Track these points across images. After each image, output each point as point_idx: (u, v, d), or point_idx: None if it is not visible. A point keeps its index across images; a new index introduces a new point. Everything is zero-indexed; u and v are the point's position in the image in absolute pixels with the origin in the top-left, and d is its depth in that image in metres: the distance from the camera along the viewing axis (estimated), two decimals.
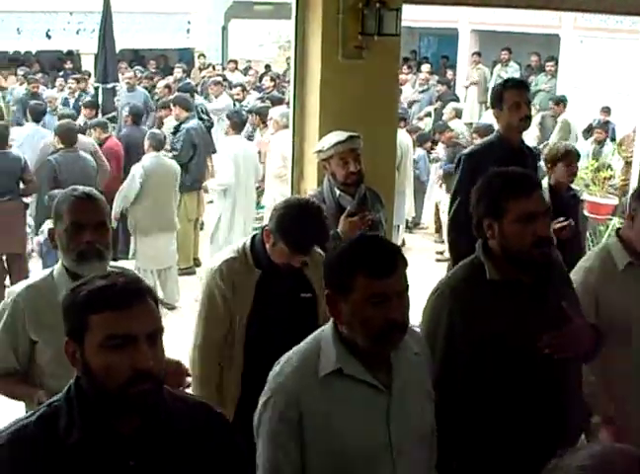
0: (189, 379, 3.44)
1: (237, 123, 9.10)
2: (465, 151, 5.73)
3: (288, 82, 15.93)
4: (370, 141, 5.01)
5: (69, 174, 8.05)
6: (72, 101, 13.33)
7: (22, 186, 8.70)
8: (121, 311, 2.04)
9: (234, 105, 12.63)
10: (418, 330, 3.09)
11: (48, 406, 2.15)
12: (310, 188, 5.21)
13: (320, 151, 4.93)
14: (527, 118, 5.22)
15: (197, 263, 10.15)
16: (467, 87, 17.43)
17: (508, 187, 3.05)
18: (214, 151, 11.16)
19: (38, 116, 10.70)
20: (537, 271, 3.07)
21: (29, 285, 3.39)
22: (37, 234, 8.64)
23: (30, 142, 10.15)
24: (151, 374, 2.05)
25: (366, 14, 5.36)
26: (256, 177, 9.19)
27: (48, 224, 7.94)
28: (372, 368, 2.56)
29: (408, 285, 2.55)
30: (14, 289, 3.43)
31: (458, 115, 12.84)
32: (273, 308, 3.85)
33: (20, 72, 16.01)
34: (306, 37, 5.52)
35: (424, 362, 2.76)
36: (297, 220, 3.73)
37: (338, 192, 4.90)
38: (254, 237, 3.99)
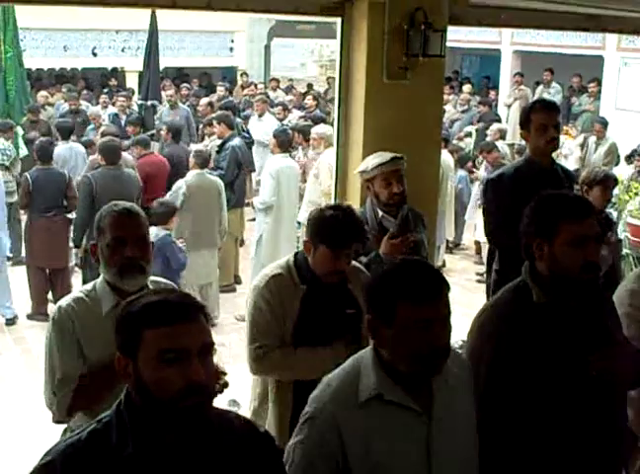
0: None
1: (283, 142, 9.12)
2: (491, 175, 5.72)
3: (330, 101, 16.13)
4: (414, 162, 5.00)
5: (106, 191, 8.08)
6: (123, 118, 13.46)
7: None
8: (175, 326, 2.08)
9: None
10: (459, 351, 3.08)
11: (98, 422, 2.18)
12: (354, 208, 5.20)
13: (363, 172, 4.93)
14: (555, 141, 5.16)
15: (237, 280, 10.20)
16: (509, 107, 17.35)
17: (562, 209, 3.03)
18: (254, 169, 11.24)
19: (65, 133, 10.75)
20: (584, 294, 3.04)
21: (73, 298, 3.44)
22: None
23: (64, 159, 10.30)
24: (203, 388, 2.08)
25: (412, 35, 5.36)
26: (298, 195, 9.21)
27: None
28: (413, 393, 2.55)
29: (450, 310, 2.54)
30: (60, 304, 3.46)
31: (502, 135, 12.79)
32: (318, 324, 3.88)
33: (64, 89, 16.21)
34: (351, 57, 5.52)
35: (466, 386, 2.74)
36: (332, 218, 3.84)
37: (380, 212, 4.90)
38: (297, 254, 4.03)
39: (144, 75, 12.96)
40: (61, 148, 10.44)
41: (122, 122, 13.04)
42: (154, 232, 7.72)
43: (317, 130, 9.38)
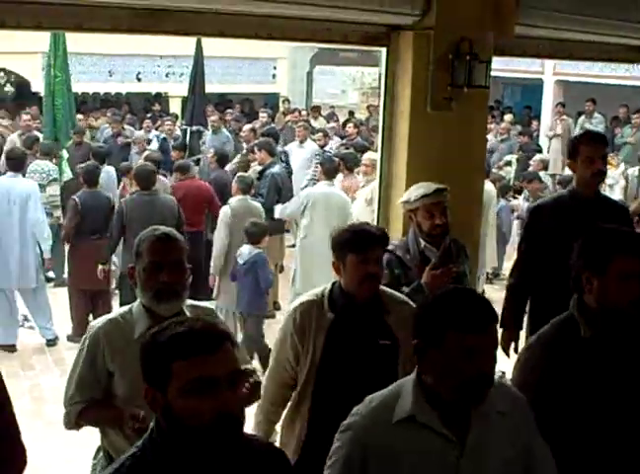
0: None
1: (329, 170, 9.14)
2: (533, 204, 5.69)
3: (371, 129, 16.17)
4: (457, 192, 4.98)
5: (138, 216, 8.20)
6: (171, 142, 13.63)
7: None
8: (203, 357, 2.09)
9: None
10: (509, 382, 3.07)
11: (131, 457, 2.20)
12: (395, 237, 5.20)
13: (406, 202, 4.92)
14: (601, 173, 5.13)
15: (276, 306, 10.19)
16: (551, 138, 17.28)
17: (615, 243, 3.03)
18: (292, 196, 11.27)
19: (99, 158, 10.81)
20: (632, 329, 3.02)
21: (108, 319, 3.50)
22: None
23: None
24: (233, 416, 2.09)
25: (456, 65, 5.37)
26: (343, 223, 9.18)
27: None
28: (449, 420, 2.54)
29: (497, 342, 2.54)
30: (94, 323, 3.53)
31: (545, 166, 12.72)
32: (346, 353, 3.84)
33: (109, 113, 16.43)
34: (396, 86, 5.53)
35: (510, 423, 2.67)
36: (353, 227, 4.02)
37: (423, 243, 4.88)
38: (334, 283, 4.02)
39: (189, 100, 13.10)
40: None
41: (170, 146, 13.23)
42: (247, 250, 7.84)
43: (369, 157, 9.38)
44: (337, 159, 9.90)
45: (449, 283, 4.59)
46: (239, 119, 17.12)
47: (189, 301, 3.52)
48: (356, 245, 3.83)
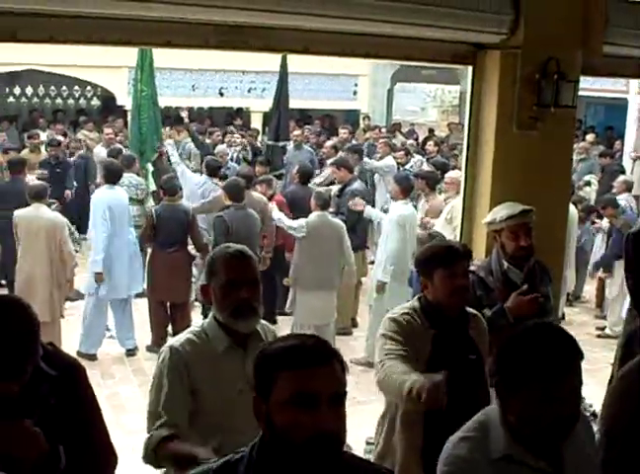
0: None
1: (406, 189, 9.09)
2: (634, 229, 5.57)
3: (451, 147, 16.06)
4: (542, 213, 4.92)
5: (239, 229, 8.36)
6: (250, 156, 13.78)
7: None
8: (309, 370, 2.08)
9: (398, 168, 12.66)
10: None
11: (235, 453, 2.23)
12: (478, 258, 5.15)
13: (491, 223, 4.88)
14: None
15: (354, 323, 10.18)
16: (635, 160, 16.93)
17: None
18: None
19: (213, 171, 10.94)
20: None
21: (185, 339, 3.46)
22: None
23: (196, 191, 10.52)
24: (332, 437, 2.07)
25: (543, 85, 5.31)
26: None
27: None
28: (541, 452, 2.49)
29: (581, 380, 2.46)
30: (172, 344, 3.48)
31: (629, 187, 12.44)
32: (446, 368, 3.83)
33: (193, 127, 16.64)
34: (481, 105, 5.49)
35: (587, 440, 2.67)
36: (437, 243, 4.22)
37: (506, 264, 4.83)
38: (420, 298, 4.04)
39: (273, 116, 13.17)
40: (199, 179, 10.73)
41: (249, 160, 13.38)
42: None
43: (451, 175, 9.32)
44: (413, 177, 9.85)
45: (535, 311, 4.55)
46: (319, 134, 17.17)
47: (262, 321, 3.52)
48: (443, 259, 3.91)
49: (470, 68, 5.56)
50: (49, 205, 9.03)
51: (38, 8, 4.01)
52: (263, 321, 3.64)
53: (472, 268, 4.79)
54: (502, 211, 4.83)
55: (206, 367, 3.34)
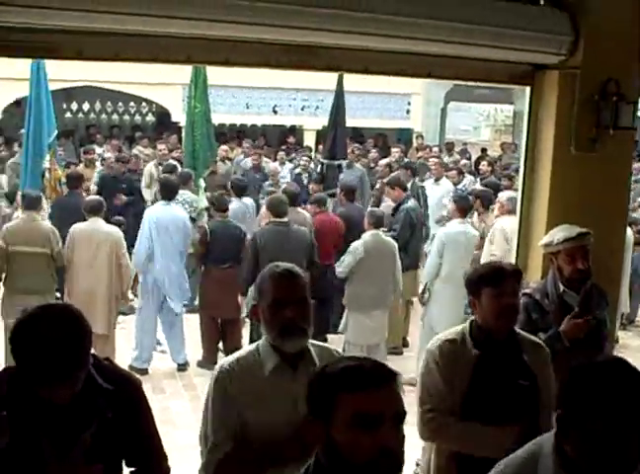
0: None
1: (464, 208, 9.05)
2: None
3: (504, 167, 15.95)
4: (599, 236, 4.86)
5: (271, 247, 8.32)
6: (305, 175, 13.84)
7: None
8: (371, 392, 2.12)
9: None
10: None
11: None
12: (534, 280, 5.10)
13: (548, 245, 4.83)
14: None
15: (405, 343, 10.14)
16: None
17: None
18: (427, 234, 11.18)
19: (238, 191, 10.99)
20: None
21: (236, 358, 3.45)
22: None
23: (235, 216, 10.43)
24: (394, 455, 2.11)
25: (602, 106, 5.26)
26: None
27: None
28: None
29: None
30: (222, 364, 3.48)
31: None
32: (489, 393, 3.82)
33: (245, 144, 16.77)
34: (539, 126, 5.45)
35: None
36: (486, 263, 4.27)
37: (562, 287, 4.79)
38: (472, 321, 4.02)
39: (329, 134, 13.17)
40: (235, 205, 10.58)
41: (305, 181, 13.41)
42: None
43: (505, 196, 9.23)
44: (471, 197, 9.79)
45: (586, 333, 4.51)
46: (369, 151, 17.16)
47: (312, 341, 3.47)
48: (491, 279, 3.89)
49: (528, 88, 5.52)
50: (120, 225, 9.22)
51: (105, 27, 4.07)
52: (321, 343, 3.61)
53: (527, 290, 4.77)
54: (559, 234, 4.78)
55: (253, 386, 3.33)
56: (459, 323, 4.19)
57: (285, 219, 8.66)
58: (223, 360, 3.51)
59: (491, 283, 3.86)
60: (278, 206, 8.72)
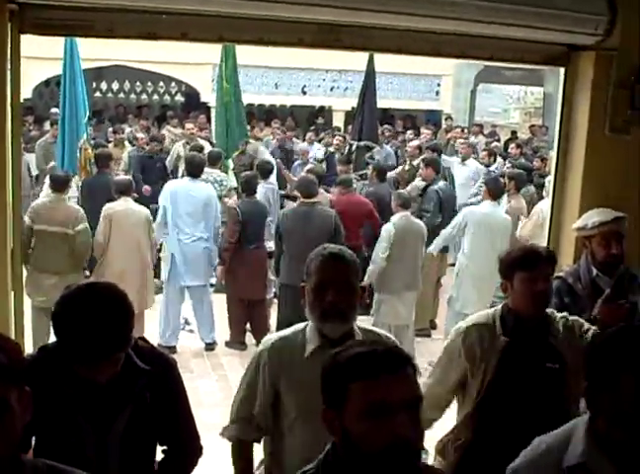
0: None
1: (494, 191, 9.01)
2: None
3: (534, 150, 15.83)
4: (633, 220, 4.80)
5: (294, 227, 8.38)
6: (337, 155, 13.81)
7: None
8: (381, 379, 2.05)
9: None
10: None
11: (304, 472, 2.20)
12: (566, 263, 5.04)
13: (582, 228, 4.78)
14: None
15: (432, 325, 10.12)
16: None
17: None
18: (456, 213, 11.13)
19: (264, 173, 11.00)
20: None
21: (281, 337, 3.47)
22: None
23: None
24: (409, 443, 2.04)
25: (638, 88, 5.17)
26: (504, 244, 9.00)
27: None
28: (625, 467, 2.39)
29: None
30: (265, 340, 3.51)
31: None
32: (516, 377, 3.78)
33: (274, 125, 16.75)
34: (573, 108, 5.37)
35: None
36: (520, 247, 4.13)
37: (595, 271, 4.74)
38: (503, 306, 3.97)
39: (357, 115, 13.13)
40: (260, 188, 10.52)
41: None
42: None
43: (540, 207, 9.14)
44: (502, 179, 9.73)
45: (623, 318, 4.43)
46: (399, 133, 17.08)
47: (361, 325, 3.44)
48: (524, 262, 3.83)
49: (562, 70, 5.44)
50: (150, 207, 9.31)
51: (137, 5, 4.06)
52: (368, 327, 3.58)
53: (560, 274, 4.72)
54: (594, 217, 4.72)
55: (291, 369, 3.33)
56: (486, 307, 4.15)
57: (313, 200, 8.64)
58: (270, 336, 3.55)
59: (524, 267, 3.80)
60: (307, 187, 8.71)
